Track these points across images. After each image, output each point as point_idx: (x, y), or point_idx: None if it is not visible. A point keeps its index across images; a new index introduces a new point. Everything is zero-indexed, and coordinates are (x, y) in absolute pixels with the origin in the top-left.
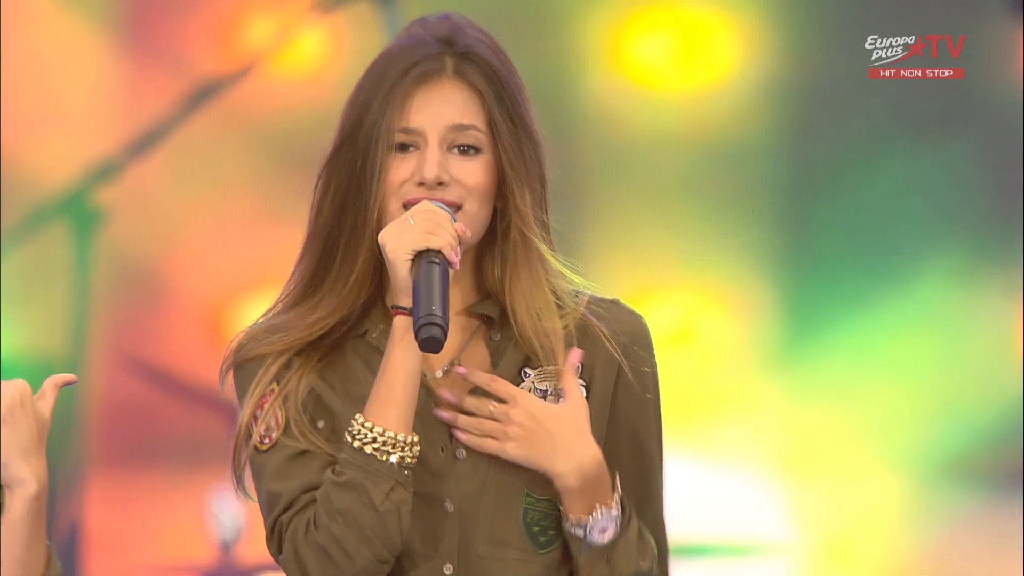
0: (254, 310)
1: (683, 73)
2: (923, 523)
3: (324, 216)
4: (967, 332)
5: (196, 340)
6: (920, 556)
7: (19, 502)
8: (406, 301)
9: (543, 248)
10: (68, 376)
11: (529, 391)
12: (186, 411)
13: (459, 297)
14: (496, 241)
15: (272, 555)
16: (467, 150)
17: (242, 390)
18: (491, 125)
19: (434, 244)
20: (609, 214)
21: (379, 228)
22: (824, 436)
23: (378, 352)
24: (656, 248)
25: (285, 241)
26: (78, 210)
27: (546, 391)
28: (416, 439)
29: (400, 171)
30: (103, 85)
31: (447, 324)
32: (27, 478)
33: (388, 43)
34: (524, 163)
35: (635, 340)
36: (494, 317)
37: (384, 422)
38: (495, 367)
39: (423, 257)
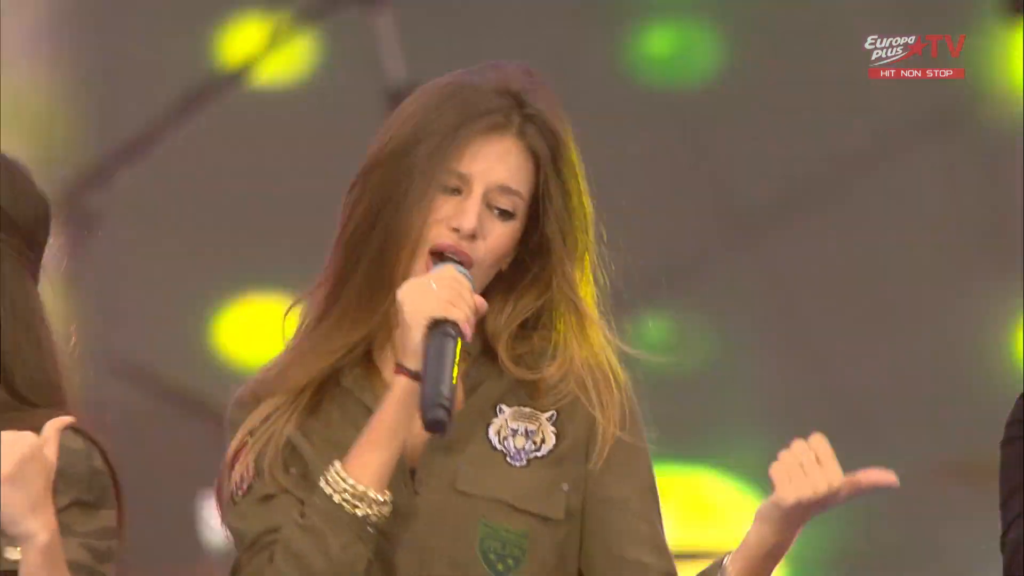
0: (245, 317)
1: (680, 74)
2: (923, 524)
3: (354, 226)
4: (967, 332)
5: (187, 346)
6: (918, 557)
7: (32, 555)
8: (413, 363)
9: (588, 309)
10: (66, 419)
11: (501, 429)
12: (177, 417)
13: None
14: (512, 291)
15: None
16: (503, 213)
17: (231, 430)
18: (539, 191)
19: (453, 316)
20: (605, 218)
21: (405, 260)
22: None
23: (351, 395)
24: (651, 253)
25: (275, 248)
26: (68, 215)
27: (517, 430)
28: (388, 499)
29: (439, 211)
30: (94, 90)
31: (453, 407)
32: (36, 531)
33: (458, 74)
34: (573, 230)
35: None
36: (471, 353)
37: (359, 476)
38: (467, 400)
39: (440, 327)
